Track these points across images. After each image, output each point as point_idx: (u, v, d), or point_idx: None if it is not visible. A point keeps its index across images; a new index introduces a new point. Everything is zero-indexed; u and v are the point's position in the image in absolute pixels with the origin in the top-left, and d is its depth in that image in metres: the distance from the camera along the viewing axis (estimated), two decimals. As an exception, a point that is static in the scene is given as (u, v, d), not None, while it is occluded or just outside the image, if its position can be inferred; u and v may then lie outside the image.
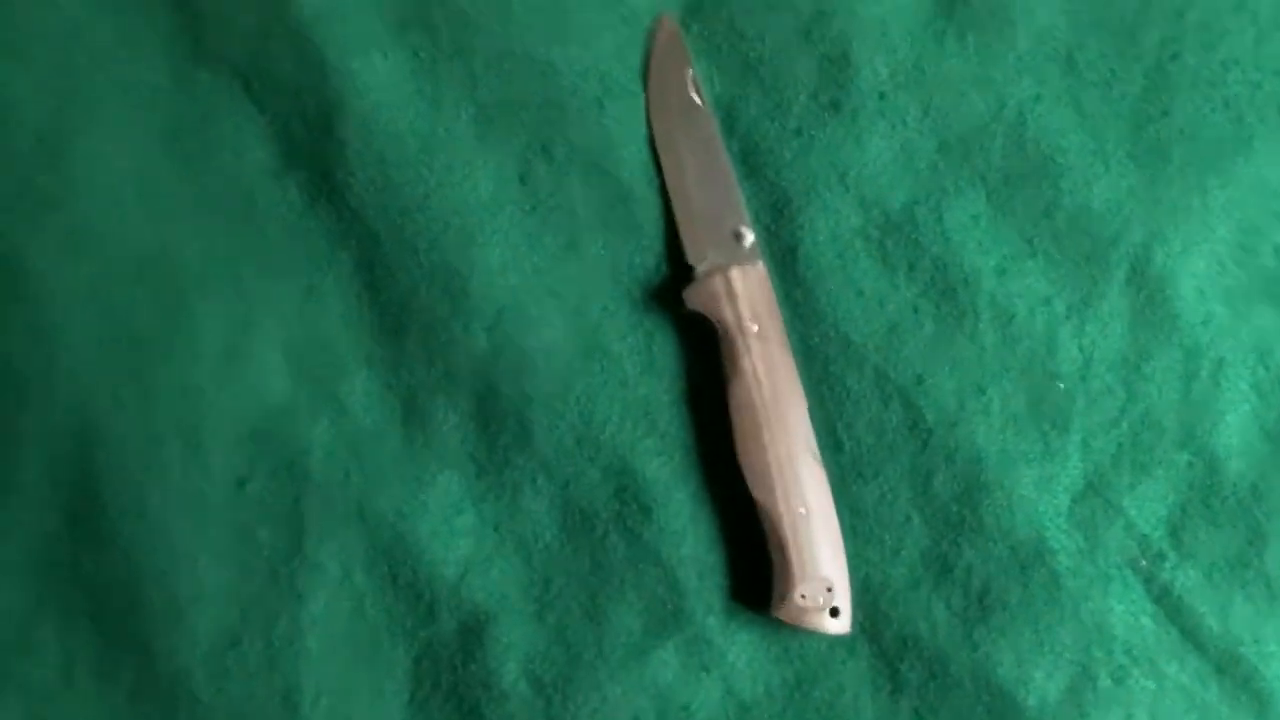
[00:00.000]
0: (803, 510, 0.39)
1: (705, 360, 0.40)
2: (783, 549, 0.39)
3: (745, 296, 0.40)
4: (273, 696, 0.39)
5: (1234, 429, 0.40)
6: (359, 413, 0.40)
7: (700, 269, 0.41)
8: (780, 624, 0.39)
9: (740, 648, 0.39)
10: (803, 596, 0.38)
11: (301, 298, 0.41)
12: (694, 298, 0.41)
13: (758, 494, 0.39)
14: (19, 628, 0.39)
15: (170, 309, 0.40)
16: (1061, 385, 0.40)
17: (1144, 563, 0.39)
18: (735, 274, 0.40)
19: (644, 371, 0.41)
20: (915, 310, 0.41)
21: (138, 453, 0.40)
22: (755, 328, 0.40)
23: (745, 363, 0.40)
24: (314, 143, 0.41)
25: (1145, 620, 0.39)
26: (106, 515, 0.39)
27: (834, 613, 0.39)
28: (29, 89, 0.41)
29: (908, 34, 0.42)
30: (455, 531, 0.40)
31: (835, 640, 0.39)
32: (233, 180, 0.41)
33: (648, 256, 0.41)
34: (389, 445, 0.40)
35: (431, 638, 0.39)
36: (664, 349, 0.41)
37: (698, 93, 0.42)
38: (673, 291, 0.41)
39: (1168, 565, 0.39)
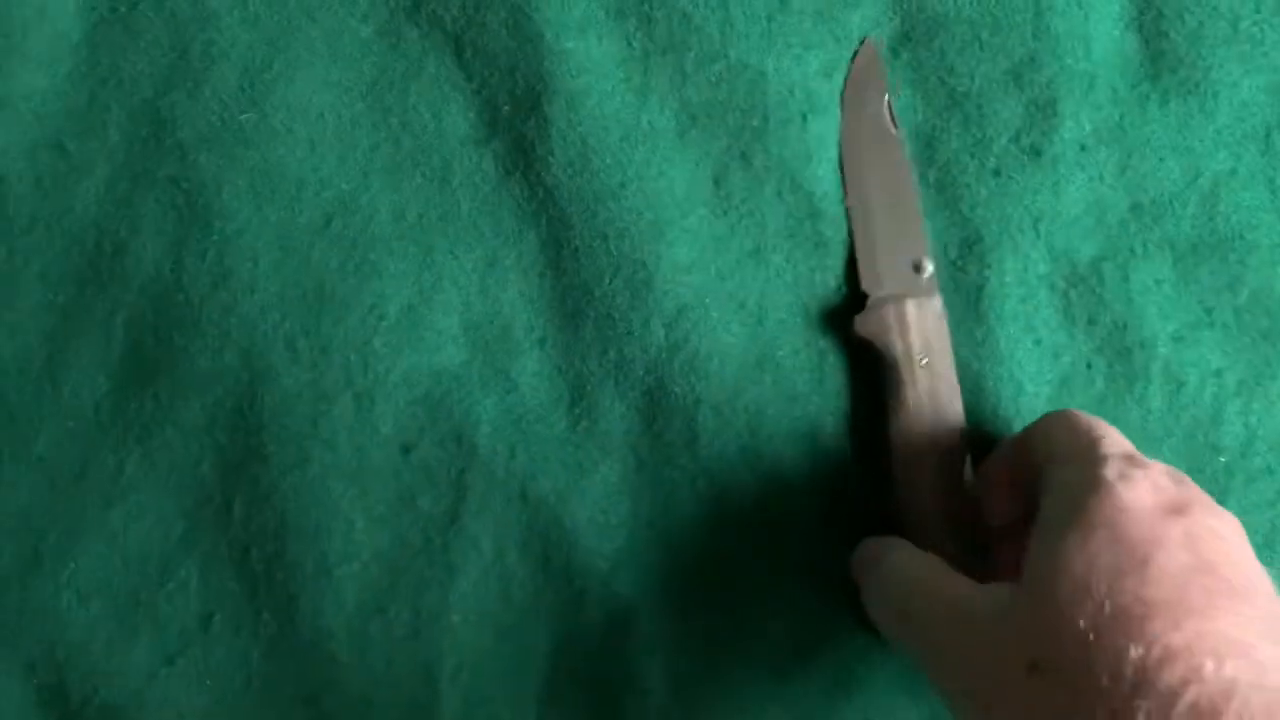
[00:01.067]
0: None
1: (874, 387, 0.40)
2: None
3: (918, 329, 0.40)
4: (413, 667, 0.38)
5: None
6: (528, 391, 0.40)
7: (875, 296, 0.41)
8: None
9: (883, 678, 0.39)
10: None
11: (484, 269, 0.40)
12: (865, 325, 0.40)
13: (907, 529, 0.39)
14: (161, 565, 0.38)
15: (354, 265, 0.40)
16: (1222, 459, 0.41)
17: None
18: (910, 306, 0.40)
19: (813, 390, 0.41)
20: (1089, 366, 0.41)
21: (306, 406, 0.39)
22: (924, 360, 0.40)
23: (910, 395, 0.40)
24: (517, 116, 0.40)
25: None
26: (266, 465, 0.39)
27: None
28: (240, 24, 0.40)
29: (1113, 92, 0.42)
30: (611, 522, 0.39)
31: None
32: (430, 143, 0.40)
33: (828, 276, 0.41)
34: (555, 427, 0.40)
35: (576, 626, 0.39)
36: (834, 370, 0.41)
37: (893, 120, 0.42)
38: (847, 314, 0.41)
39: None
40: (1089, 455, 0.33)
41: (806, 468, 0.40)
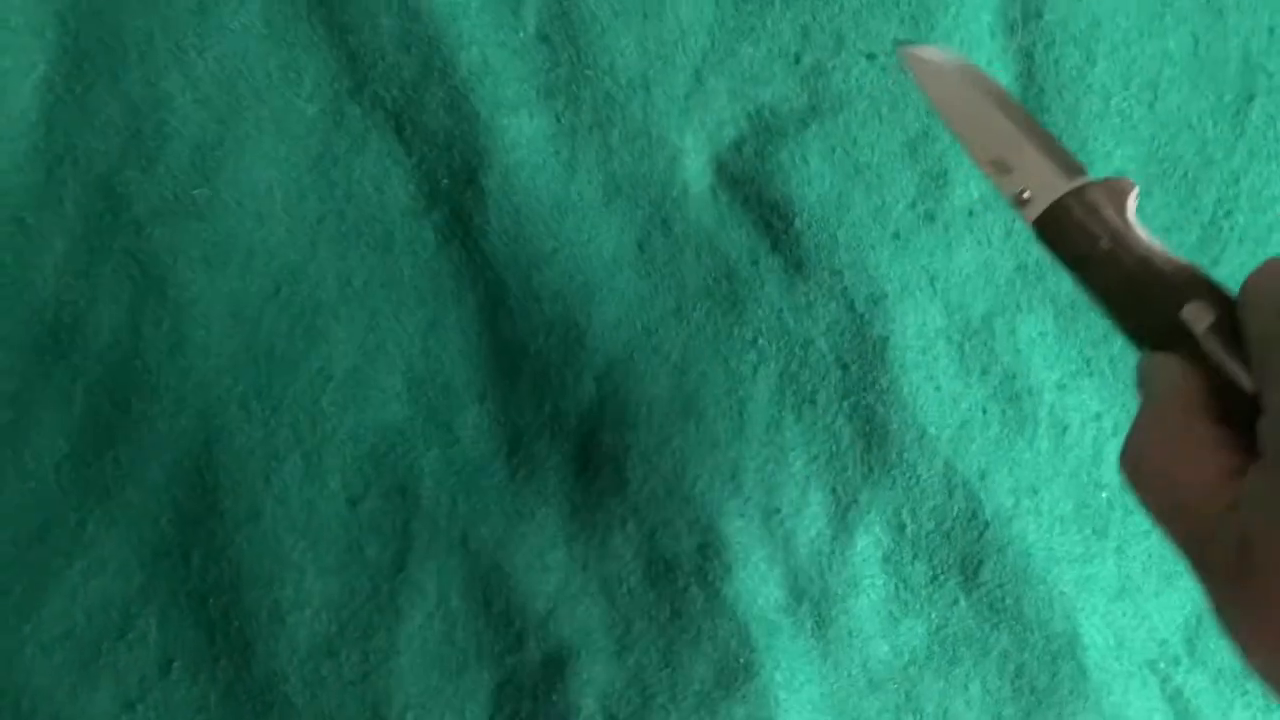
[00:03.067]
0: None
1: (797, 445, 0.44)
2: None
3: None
4: (363, 707, 0.41)
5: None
6: (469, 444, 0.43)
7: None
8: (843, 683, 0.42)
9: (803, 707, 0.43)
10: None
11: (426, 331, 0.43)
12: None
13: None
14: (121, 615, 0.40)
15: (302, 329, 0.42)
16: (1104, 494, 0.45)
17: (1162, 665, 0.44)
18: (821, 357, 0.44)
19: (734, 437, 0.44)
20: (984, 411, 0.45)
21: (259, 463, 0.41)
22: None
23: None
24: (455, 189, 0.43)
25: (1158, 718, 0.43)
26: (221, 519, 0.41)
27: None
28: (192, 104, 0.42)
29: (1000, 162, 0.46)
30: (547, 566, 0.42)
31: (881, 706, 0.43)
32: (373, 214, 0.43)
33: (746, 330, 0.45)
34: (494, 477, 0.43)
35: (516, 666, 0.42)
36: (754, 418, 0.44)
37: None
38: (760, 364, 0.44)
39: (1181, 669, 0.44)
40: None
41: (729, 509, 0.43)
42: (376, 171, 0.43)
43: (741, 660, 0.42)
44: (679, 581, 0.42)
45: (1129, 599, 0.44)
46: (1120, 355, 0.45)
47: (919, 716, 0.43)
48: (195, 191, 0.42)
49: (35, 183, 0.42)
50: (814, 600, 0.43)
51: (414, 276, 0.43)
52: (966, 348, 0.45)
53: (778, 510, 0.44)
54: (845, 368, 0.44)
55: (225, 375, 0.41)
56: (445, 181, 0.43)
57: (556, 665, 0.41)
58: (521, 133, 0.43)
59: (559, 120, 0.44)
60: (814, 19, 0.45)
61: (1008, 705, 0.43)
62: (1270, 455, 0.24)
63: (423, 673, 0.41)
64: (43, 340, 0.41)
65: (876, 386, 0.44)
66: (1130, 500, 0.44)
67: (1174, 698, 0.43)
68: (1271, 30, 0.48)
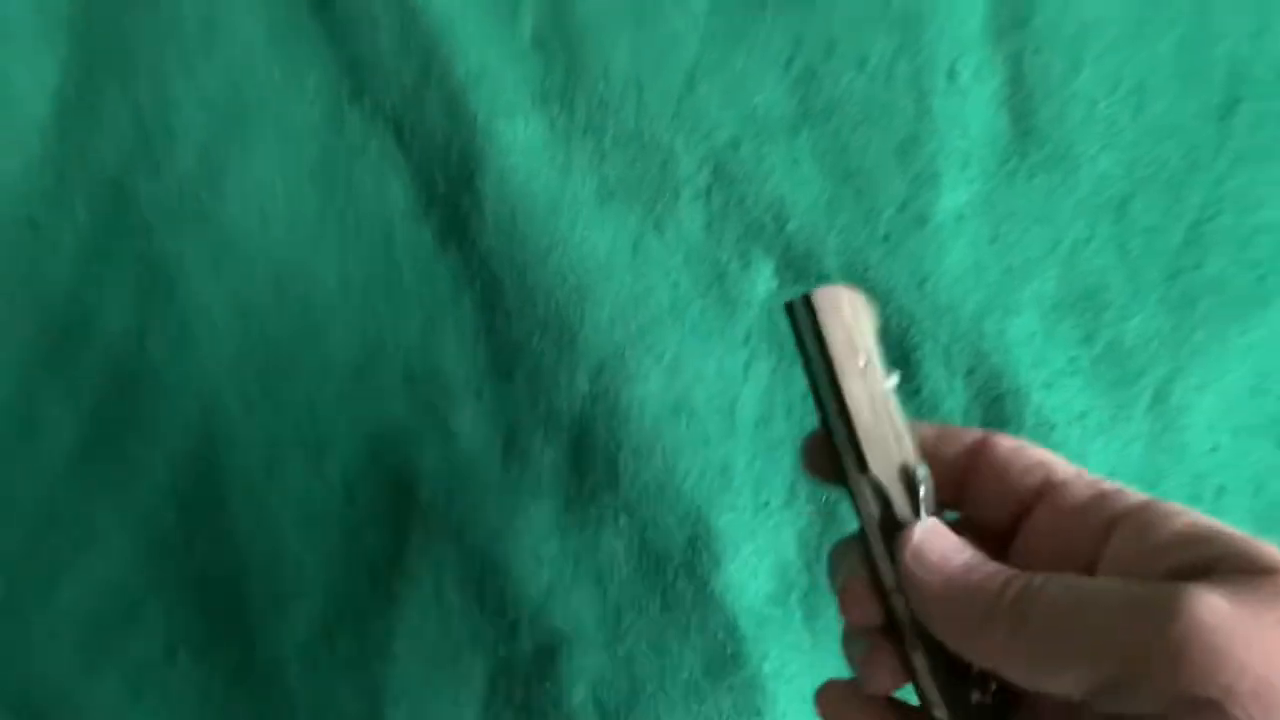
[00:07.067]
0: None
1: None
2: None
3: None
4: (359, 693, 0.42)
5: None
6: (465, 440, 0.43)
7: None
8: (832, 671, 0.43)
9: (792, 697, 0.43)
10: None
11: (424, 330, 0.44)
12: None
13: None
14: (127, 604, 0.41)
15: (304, 326, 0.43)
16: (1087, 492, 0.45)
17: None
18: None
19: (725, 434, 0.45)
20: (966, 413, 0.45)
21: (261, 455, 0.42)
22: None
23: None
24: (453, 191, 0.44)
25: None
26: (224, 509, 0.42)
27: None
28: (198, 107, 0.43)
29: (986, 168, 0.46)
30: (540, 559, 0.43)
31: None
32: (373, 215, 0.44)
33: (737, 329, 0.45)
34: (489, 473, 0.43)
35: (510, 655, 0.43)
36: (745, 415, 0.45)
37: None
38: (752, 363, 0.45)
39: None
40: None
41: (719, 503, 0.44)
42: (376, 174, 0.44)
43: (730, 651, 0.43)
44: (669, 574, 0.43)
45: (1110, 595, 0.44)
46: (1104, 357, 0.46)
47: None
48: (200, 195, 0.43)
49: (47, 186, 0.43)
50: (803, 592, 0.44)
51: (412, 277, 0.44)
52: (954, 349, 0.45)
53: (766, 504, 0.44)
54: (833, 367, 0.45)
55: (229, 372, 0.42)
56: (443, 184, 0.44)
57: (549, 654, 0.42)
58: (517, 137, 0.44)
59: (554, 124, 0.45)
60: (805, 26, 0.46)
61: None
62: None
63: (418, 661, 0.42)
64: (54, 337, 0.42)
65: (864, 385, 0.45)
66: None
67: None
68: (1258, 35, 0.48)
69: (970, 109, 0.46)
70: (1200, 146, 0.47)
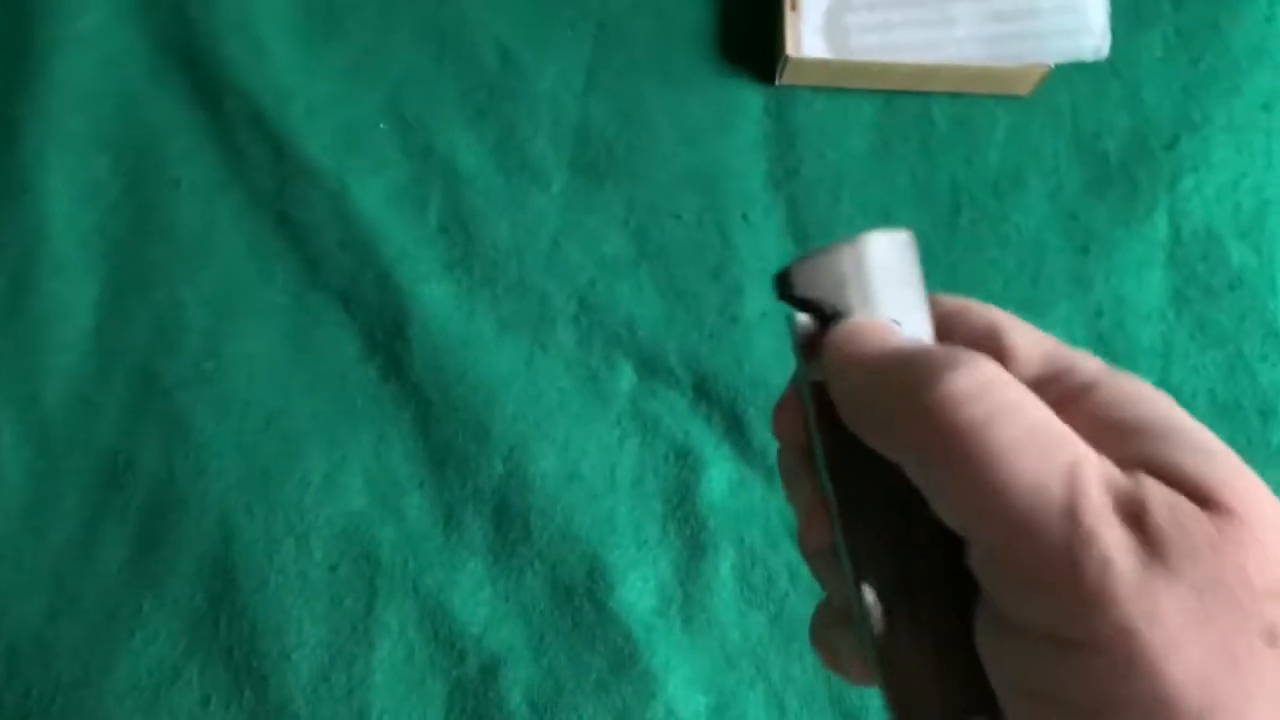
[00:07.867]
0: (715, 588, 0.58)
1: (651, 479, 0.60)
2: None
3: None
4: (351, 715, 0.55)
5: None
6: (414, 520, 0.58)
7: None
8: (707, 662, 0.57)
9: (678, 681, 0.57)
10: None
11: (376, 442, 0.59)
12: None
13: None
14: (172, 669, 0.55)
15: (287, 450, 0.58)
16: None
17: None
18: (668, 429, 0.61)
19: (608, 492, 0.60)
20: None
21: (262, 548, 0.57)
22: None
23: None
24: (389, 340, 0.61)
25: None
26: (239, 590, 0.56)
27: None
28: (200, 304, 0.60)
29: (778, 275, 0.64)
30: (478, 601, 0.57)
31: (739, 678, 0.57)
32: (331, 365, 0.60)
33: (610, 414, 0.61)
34: (434, 541, 0.58)
35: (460, 676, 0.56)
36: (623, 477, 0.60)
37: None
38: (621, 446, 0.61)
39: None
40: None
41: (609, 544, 0.59)
42: (332, 336, 0.61)
43: (627, 653, 0.57)
44: (576, 600, 0.58)
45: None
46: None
47: (767, 682, 0.57)
48: (206, 364, 0.59)
49: (93, 370, 0.59)
50: (679, 604, 0.58)
51: (364, 405, 0.60)
52: (769, 412, 0.61)
53: (645, 542, 0.59)
54: (678, 440, 0.60)
55: (234, 490, 0.57)
56: (381, 336, 0.61)
57: (491, 672, 0.56)
58: (433, 296, 0.61)
59: (459, 284, 0.62)
60: (635, 194, 0.64)
61: (833, 668, 0.57)
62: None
63: (392, 687, 0.55)
64: (104, 478, 0.57)
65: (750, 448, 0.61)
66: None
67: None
68: (969, 161, 0.66)
69: (762, 240, 0.63)
70: (935, 244, 0.64)
